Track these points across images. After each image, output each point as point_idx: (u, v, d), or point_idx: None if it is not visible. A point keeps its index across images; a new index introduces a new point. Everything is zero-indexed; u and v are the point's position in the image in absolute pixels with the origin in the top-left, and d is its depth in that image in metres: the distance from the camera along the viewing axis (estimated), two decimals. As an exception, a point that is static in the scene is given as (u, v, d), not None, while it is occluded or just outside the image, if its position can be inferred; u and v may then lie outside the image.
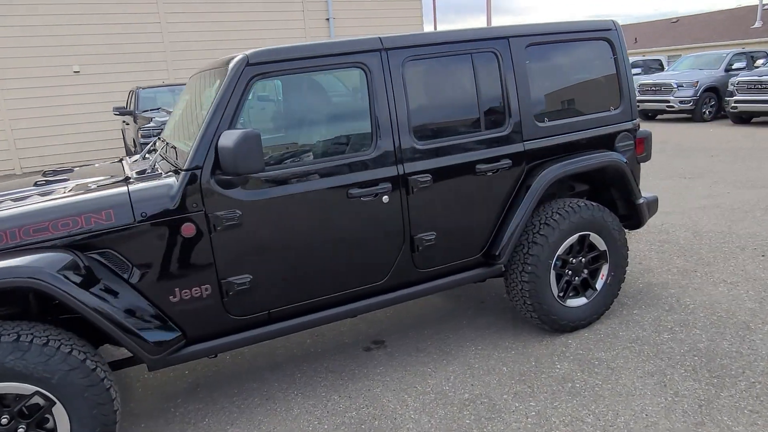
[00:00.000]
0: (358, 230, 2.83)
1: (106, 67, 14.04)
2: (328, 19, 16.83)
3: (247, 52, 2.58)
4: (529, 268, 3.22)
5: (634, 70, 17.93)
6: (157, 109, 10.21)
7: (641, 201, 3.65)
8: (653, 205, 3.80)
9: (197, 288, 2.55)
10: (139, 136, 9.24)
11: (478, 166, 3.07)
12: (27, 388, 2.17)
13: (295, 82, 2.73)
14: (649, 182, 7.33)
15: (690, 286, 4.01)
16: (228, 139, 2.36)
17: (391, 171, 2.85)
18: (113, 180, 2.70)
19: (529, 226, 3.27)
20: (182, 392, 3.17)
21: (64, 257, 2.25)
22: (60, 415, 2.25)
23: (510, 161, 3.15)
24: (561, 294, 3.38)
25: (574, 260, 3.39)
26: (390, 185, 2.84)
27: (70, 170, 3.29)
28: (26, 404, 2.21)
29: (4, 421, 2.17)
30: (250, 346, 3.57)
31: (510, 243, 3.17)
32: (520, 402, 2.83)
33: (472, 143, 3.06)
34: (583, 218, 3.31)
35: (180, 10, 14.46)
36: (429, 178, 2.94)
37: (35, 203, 2.41)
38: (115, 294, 2.35)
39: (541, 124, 3.26)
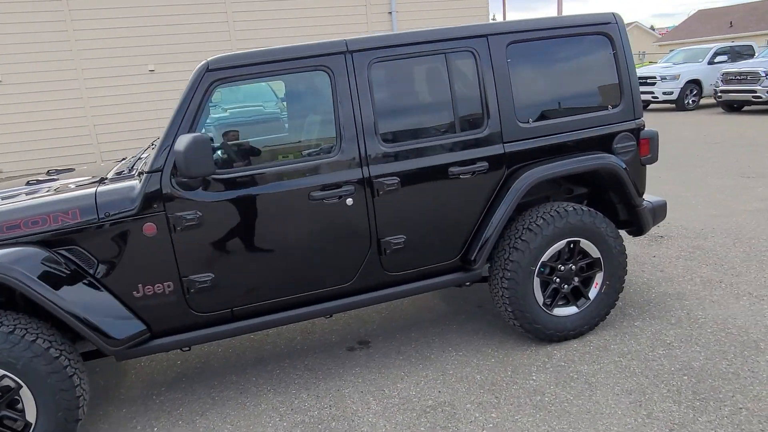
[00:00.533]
0: (321, 232, 2.86)
1: (178, 66, 14.90)
2: (390, 13, 16.85)
3: (209, 59, 2.66)
4: (509, 274, 3.11)
5: (720, 58, 16.58)
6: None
7: (643, 206, 3.41)
8: (660, 210, 3.54)
9: (160, 285, 2.68)
10: None
11: (451, 169, 2.99)
12: (-5, 371, 2.39)
13: (257, 86, 2.79)
14: (704, 181, 6.81)
15: (708, 298, 3.71)
16: (180, 143, 2.46)
17: (355, 174, 2.85)
18: (91, 181, 2.89)
19: (511, 231, 3.16)
20: (168, 381, 3.34)
21: (31, 252, 2.45)
22: (27, 397, 2.45)
23: (487, 164, 3.05)
24: (547, 302, 3.24)
25: (562, 267, 3.24)
26: (353, 188, 2.84)
27: (71, 170, 3.55)
28: (-2, 386, 2.43)
29: None
30: (242, 340, 3.73)
31: (485, 248, 3.08)
32: (482, 412, 2.75)
33: (444, 145, 2.99)
34: (571, 224, 3.14)
35: (245, 8, 15.00)
36: (396, 181, 2.91)
37: (12, 203, 2.63)
38: (79, 288, 2.52)
39: (524, 125, 3.12)
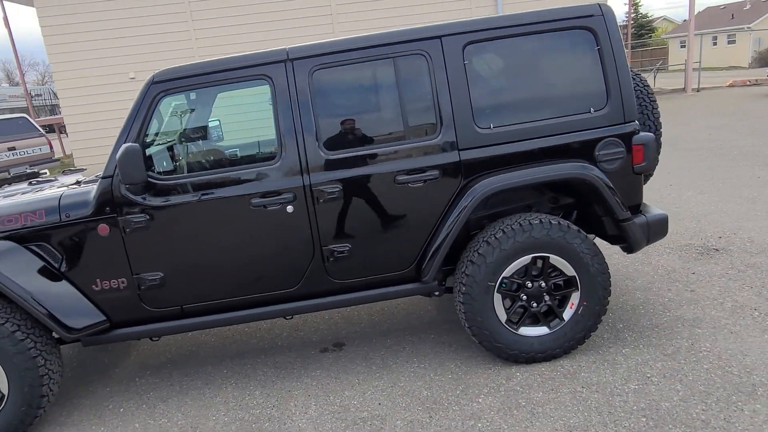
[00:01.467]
0: (263, 238, 2.92)
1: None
2: (496, -6, 16.28)
3: (155, 72, 2.82)
4: (464, 288, 2.95)
5: None
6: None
7: (632, 221, 3.03)
8: (657, 226, 3.12)
9: (115, 280, 2.93)
10: None
11: (398, 177, 2.89)
12: (-26, 349, 2.77)
13: (202, 97, 2.90)
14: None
15: (728, 328, 3.21)
16: (119, 152, 2.66)
17: (296, 181, 2.86)
18: (70, 183, 3.21)
19: (472, 243, 2.99)
20: (154, 366, 3.63)
21: (6, 246, 2.80)
22: (1, 372, 2.82)
23: (439, 172, 2.90)
24: (512, 320, 3.02)
25: (531, 284, 3.00)
26: (293, 195, 2.86)
27: (82, 170, 3.95)
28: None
29: None
30: (232, 332, 3.94)
31: (434, 261, 2.94)
32: (407, 431, 2.67)
33: (391, 153, 2.89)
34: (535, 238, 2.89)
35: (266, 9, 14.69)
36: (338, 189, 2.88)
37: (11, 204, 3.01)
38: (43, 280, 2.84)
39: (484, 131, 2.91)
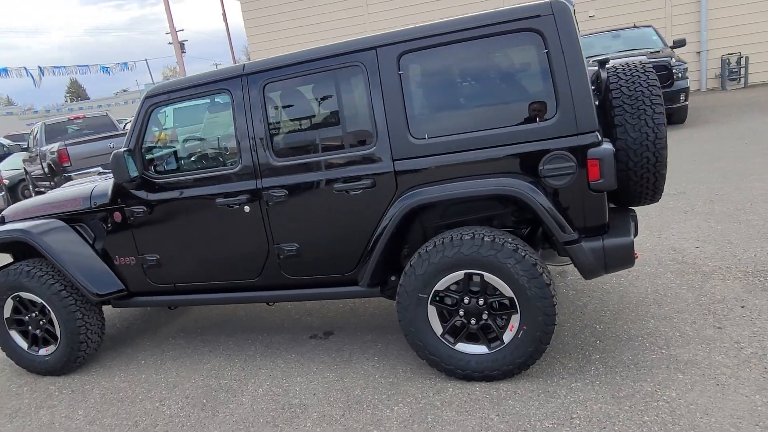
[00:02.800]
0: (228, 233, 3.31)
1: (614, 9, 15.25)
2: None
3: (149, 89, 3.35)
4: (397, 297, 2.99)
5: None
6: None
7: (577, 244, 2.71)
8: (615, 252, 2.73)
9: (126, 258, 3.60)
10: None
11: (335, 185, 3.02)
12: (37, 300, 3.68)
13: (183, 109, 3.35)
14: None
15: (717, 379, 2.71)
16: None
17: (250, 185, 3.18)
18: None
19: (413, 252, 3.01)
20: (188, 331, 4.30)
21: (52, 224, 3.65)
22: (55, 320, 3.70)
23: (372, 181, 2.95)
24: (450, 335, 2.97)
25: (467, 301, 2.90)
26: (248, 197, 3.18)
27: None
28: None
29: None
30: (260, 309, 4.44)
31: (368, 266, 3.02)
32: (315, 424, 2.86)
33: (330, 161, 3.02)
34: (464, 254, 2.79)
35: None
36: (284, 194, 3.11)
37: (61, 192, 3.87)
38: (80, 252, 3.63)
39: (419, 142, 2.86)
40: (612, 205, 3.10)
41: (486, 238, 2.76)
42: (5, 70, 18.68)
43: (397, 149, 2.90)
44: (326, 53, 2.96)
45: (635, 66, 3.02)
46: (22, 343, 3.87)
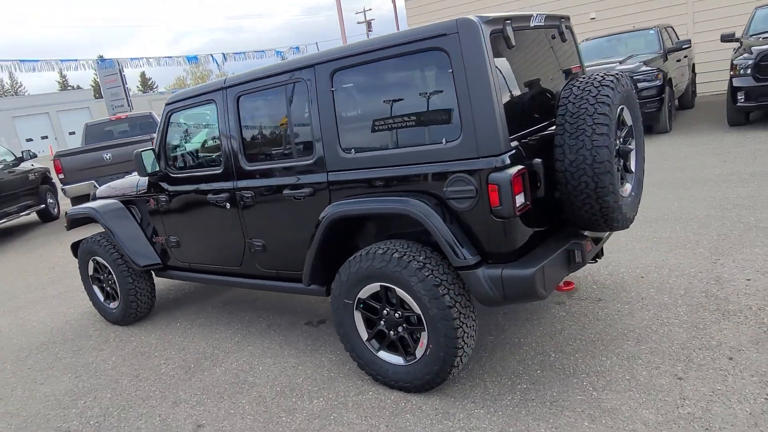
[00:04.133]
0: (216, 225, 3.79)
1: (621, 10, 14.52)
2: None
3: (169, 96, 3.93)
4: (330, 300, 3.19)
5: None
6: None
7: (470, 271, 2.63)
8: (514, 283, 2.57)
9: (159, 237, 4.31)
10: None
11: (285, 191, 3.29)
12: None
13: (187, 115, 3.87)
14: None
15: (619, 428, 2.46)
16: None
17: (229, 185, 3.60)
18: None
19: None
20: (208, 304, 4.94)
21: (113, 205, 4.50)
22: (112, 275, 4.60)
23: (311, 190, 3.15)
24: (377, 342, 3.09)
25: (387, 311, 3.00)
26: (228, 195, 3.61)
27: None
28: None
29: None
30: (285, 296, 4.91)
31: (307, 269, 3.25)
32: (248, 401, 3.23)
33: (282, 169, 3.29)
34: (375, 267, 2.88)
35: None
36: (251, 195, 3.47)
37: (128, 177, 4.70)
38: (129, 229, 4.44)
39: (347, 156, 2.99)
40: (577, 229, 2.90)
41: (395, 255, 2.82)
42: (195, 57, 21.87)
43: (330, 162, 3.06)
44: (281, 69, 3.21)
45: (593, 78, 2.76)
46: (100, 296, 4.86)
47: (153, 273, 4.59)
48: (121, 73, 22.39)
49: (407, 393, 3.02)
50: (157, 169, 3.99)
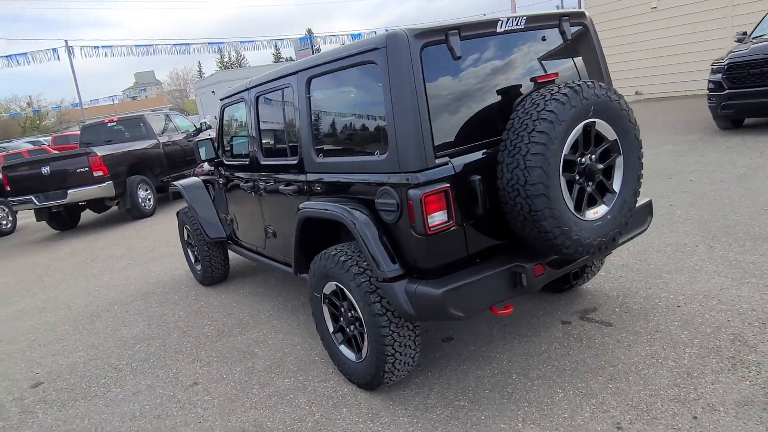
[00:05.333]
0: (249, 209, 4.24)
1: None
2: None
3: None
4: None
5: None
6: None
7: (388, 284, 2.65)
8: (424, 301, 2.53)
9: (225, 215, 4.94)
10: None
11: (280, 187, 3.58)
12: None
13: (230, 110, 4.33)
14: None
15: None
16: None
17: (253, 176, 4.01)
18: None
19: None
20: (272, 276, 5.45)
21: (196, 183, 5.24)
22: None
23: (297, 188, 3.40)
24: (339, 336, 3.29)
25: (343, 309, 3.17)
26: (252, 185, 4.03)
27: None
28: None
29: None
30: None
31: (294, 260, 3.51)
32: (235, 366, 3.67)
33: (281, 166, 3.58)
34: (328, 267, 3.05)
35: None
36: (263, 186, 3.84)
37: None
38: (205, 205, 5.14)
39: (317, 159, 3.16)
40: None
41: (342, 258, 2.95)
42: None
43: (307, 163, 3.27)
44: (278, 74, 3.48)
45: (548, 90, 2.56)
46: (192, 259, 5.71)
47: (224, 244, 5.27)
48: (312, 49, 24.73)
49: (358, 388, 3.17)
50: (212, 156, 4.56)
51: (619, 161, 2.77)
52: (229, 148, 4.58)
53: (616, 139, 2.73)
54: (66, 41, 26.65)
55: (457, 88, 2.66)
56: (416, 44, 2.51)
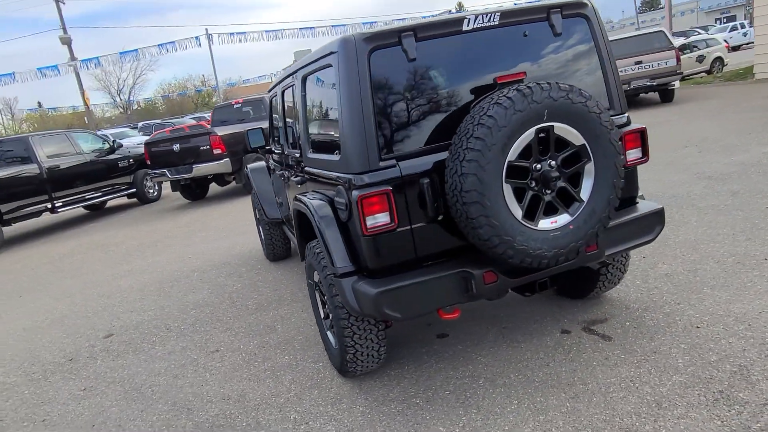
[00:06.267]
0: (284, 195, 4.55)
1: None
2: None
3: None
4: (309, 277, 3.68)
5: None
6: None
7: (338, 278, 2.75)
8: (359, 297, 2.62)
9: (276, 196, 5.33)
10: None
11: (292, 178, 3.82)
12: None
13: (274, 102, 4.61)
14: None
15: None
16: (246, 132, 4.96)
17: (279, 167, 4.30)
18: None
19: None
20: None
21: (259, 165, 5.69)
22: (263, 226, 5.89)
23: (301, 178, 3.60)
24: (328, 322, 3.48)
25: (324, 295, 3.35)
26: (281, 173, 4.33)
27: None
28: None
29: None
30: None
31: (299, 247, 3.74)
32: (256, 341, 4.02)
33: (293, 157, 3.80)
34: (309, 258, 3.26)
35: None
36: (285, 174, 4.12)
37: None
38: (264, 186, 5.57)
39: (309, 154, 3.33)
40: None
41: (317, 251, 3.12)
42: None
43: (304, 157, 3.45)
44: (288, 72, 3.68)
45: (496, 94, 2.49)
46: (263, 235, 6.24)
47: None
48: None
49: (337, 373, 3.34)
50: (262, 144, 4.93)
51: (589, 168, 2.57)
52: (274, 137, 4.92)
53: (584, 144, 2.53)
54: (206, 29, 30.03)
55: (413, 90, 2.65)
56: (364, 48, 2.54)
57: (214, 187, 12.83)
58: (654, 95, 14.70)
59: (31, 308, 5.92)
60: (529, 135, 2.43)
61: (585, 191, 2.58)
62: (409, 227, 2.64)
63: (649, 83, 13.36)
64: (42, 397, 3.77)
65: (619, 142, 2.59)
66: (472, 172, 2.36)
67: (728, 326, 3.11)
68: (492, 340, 3.44)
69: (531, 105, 2.38)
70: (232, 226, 8.38)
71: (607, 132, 2.54)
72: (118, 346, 4.44)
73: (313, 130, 3.28)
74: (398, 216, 2.59)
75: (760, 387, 2.54)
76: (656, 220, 3.00)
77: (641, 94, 14.64)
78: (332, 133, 2.90)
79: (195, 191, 11.88)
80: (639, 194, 3.19)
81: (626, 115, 3.00)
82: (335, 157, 2.81)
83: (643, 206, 3.05)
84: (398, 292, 2.57)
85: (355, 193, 2.55)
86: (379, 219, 2.56)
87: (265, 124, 5.22)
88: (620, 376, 2.83)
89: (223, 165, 10.57)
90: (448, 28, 2.66)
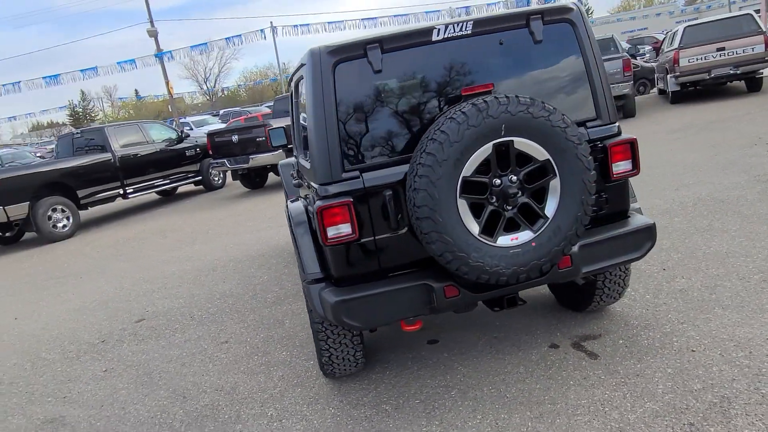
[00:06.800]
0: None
1: None
2: None
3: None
4: (305, 277, 3.79)
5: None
6: None
7: (307, 284, 2.83)
8: (324, 304, 2.66)
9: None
10: None
11: (294, 179, 3.92)
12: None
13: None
14: None
15: None
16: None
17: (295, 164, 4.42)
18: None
19: None
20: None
21: (290, 161, 5.86)
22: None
23: (298, 182, 3.71)
24: (318, 321, 3.59)
25: (315, 299, 3.45)
26: (296, 171, 4.45)
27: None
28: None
29: None
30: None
31: (297, 247, 3.85)
32: (262, 334, 4.19)
33: (296, 161, 3.90)
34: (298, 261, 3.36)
35: None
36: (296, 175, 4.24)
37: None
38: (290, 183, 5.74)
39: (301, 161, 3.42)
40: None
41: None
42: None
43: (298, 161, 3.55)
44: (291, 73, 3.76)
45: (454, 108, 2.47)
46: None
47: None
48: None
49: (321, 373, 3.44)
50: (284, 143, 5.08)
51: (554, 183, 2.48)
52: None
53: (548, 159, 2.45)
54: (271, 22, 30.83)
55: (378, 103, 2.66)
56: (328, 61, 2.58)
57: (273, 177, 13.29)
58: (741, 84, 13.56)
59: (86, 289, 6.46)
60: (486, 150, 2.38)
61: (550, 208, 2.50)
62: (372, 238, 2.67)
63: (732, 71, 12.32)
64: (70, 375, 4.14)
65: (589, 158, 2.47)
66: (423, 188, 2.35)
67: (726, 352, 2.90)
68: (479, 349, 3.40)
69: (486, 120, 2.33)
70: (280, 216, 8.66)
71: (574, 147, 2.43)
72: (145, 331, 4.78)
73: (300, 137, 3.36)
74: (361, 227, 2.62)
75: (735, 423, 2.37)
76: (645, 236, 2.84)
77: (727, 83, 13.56)
78: (306, 143, 2.97)
79: (254, 180, 12.35)
80: (636, 206, 3.03)
81: (616, 125, 2.85)
82: (308, 166, 2.88)
83: (635, 221, 2.90)
84: (357, 301, 2.61)
85: (318, 203, 2.61)
86: (342, 229, 2.60)
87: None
88: (592, 398, 2.72)
89: (278, 156, 10.89)
90: (416, 38, 2.64)
